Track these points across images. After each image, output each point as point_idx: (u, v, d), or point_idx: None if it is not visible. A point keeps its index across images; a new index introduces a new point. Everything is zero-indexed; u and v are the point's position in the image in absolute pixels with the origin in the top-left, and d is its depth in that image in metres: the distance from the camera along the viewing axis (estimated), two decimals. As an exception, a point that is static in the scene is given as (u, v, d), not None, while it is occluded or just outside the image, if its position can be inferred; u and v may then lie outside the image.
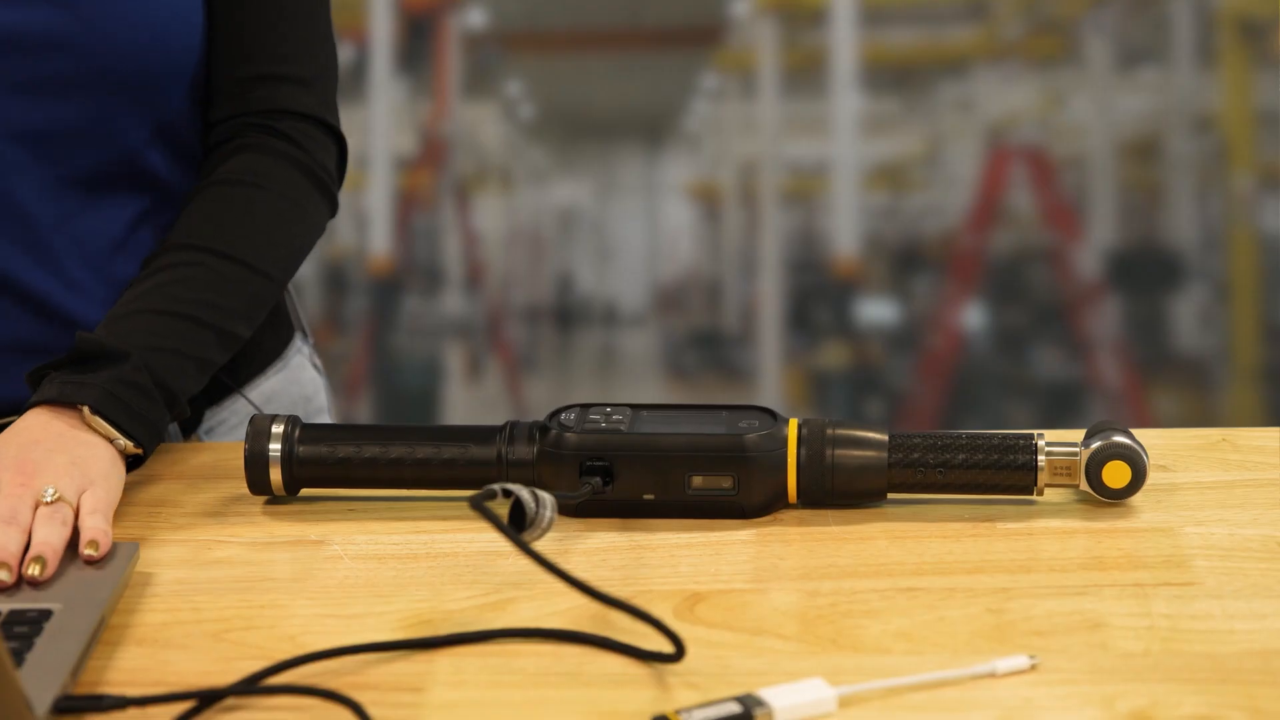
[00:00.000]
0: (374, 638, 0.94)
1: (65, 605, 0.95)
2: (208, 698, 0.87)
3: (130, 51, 1.23)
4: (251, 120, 1.30)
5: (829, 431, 1.10)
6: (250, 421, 1.13)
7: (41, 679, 0.87)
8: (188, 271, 1.23)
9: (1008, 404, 4.33)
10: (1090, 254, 4.31)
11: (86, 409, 1.12)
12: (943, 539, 1.06)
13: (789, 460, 1.09)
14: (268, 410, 1.38)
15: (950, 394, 4.36)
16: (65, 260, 1.26)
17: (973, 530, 1.08)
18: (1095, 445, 1.09)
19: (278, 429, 1.12)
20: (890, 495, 1.11)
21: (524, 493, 0.98)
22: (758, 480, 1.09)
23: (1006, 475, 1.09)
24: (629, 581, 1.00)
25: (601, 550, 1.05)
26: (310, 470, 1.13)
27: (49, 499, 1.05)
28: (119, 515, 1.13)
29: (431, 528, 1.09)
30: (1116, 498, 1.10)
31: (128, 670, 0.91)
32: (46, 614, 0.94)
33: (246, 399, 1.38)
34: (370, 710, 0.85)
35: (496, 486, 0.98)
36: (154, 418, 1.15)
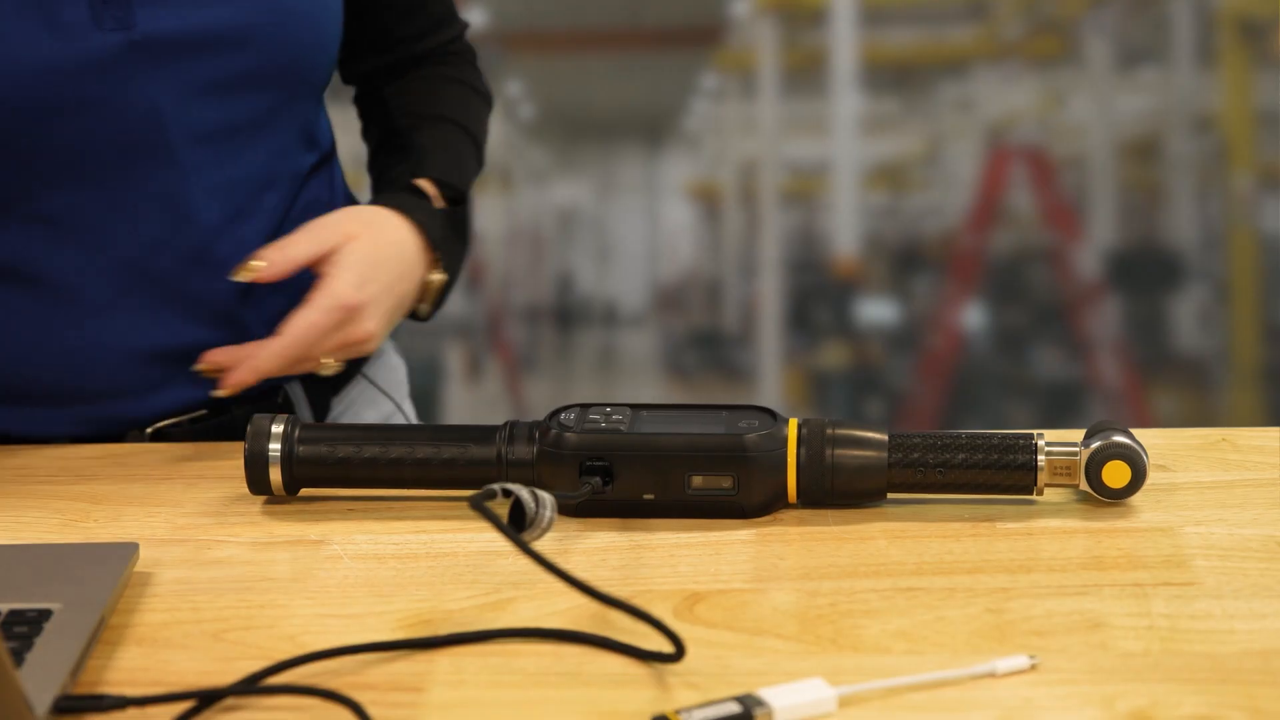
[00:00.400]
0: (374, 638, 0.94)
1: (65, 605, 0.95)
2: (207, 697, 0.87)
3: (304, 46, 1.26)
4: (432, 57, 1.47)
5: (829, 431, 1.09)
6: (250, 421, 1.13)
7: (41, 679, 0.87)
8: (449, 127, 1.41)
9: (1008, 404, 4.33)
10: (1090, 254, 4.31)
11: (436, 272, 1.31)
12: (942, 539, 1.06)
13: (789, 460, 1.09)
14: (386, 389, 1.44)
15: (950, 394, 4.36)
16: (231, 264, 1.26)
17: (972, 530, 1.08)
18: (1095, 445, 1.09)
19: (277, 429, 1.12)
20: (890, 495, 1.11)
21: (524, 493, 0.98)
22: (757, 480, 1.09)
23: (1006, 475, 1.09)
24: (629, 581, 1.00)
25: (601, 550, 1.05)
26: (310, 470, 1.12)
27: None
28: (118, 515, 1.13)
29: (431, 527, 1.09)
30: (1116, 497, 1.09)
31: (127, 670, 0.91)
32: (46, 614, 0.94)
33: (368, 379, 1.43)
34: (370, 710, 0.85)
35: (496, 486, 0.98)
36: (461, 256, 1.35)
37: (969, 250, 4.61)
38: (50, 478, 1.21)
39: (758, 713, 0.84)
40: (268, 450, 1.12)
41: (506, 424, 1.12)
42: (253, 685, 0.88)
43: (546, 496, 0.99)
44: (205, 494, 1.17)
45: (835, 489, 1.09)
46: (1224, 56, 4.28)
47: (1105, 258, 4.29)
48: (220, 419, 1.31)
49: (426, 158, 1.37)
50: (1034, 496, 1.11)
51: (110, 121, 1.19)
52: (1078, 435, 1.12)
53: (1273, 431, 1.24)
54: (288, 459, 1.12)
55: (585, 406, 1.12)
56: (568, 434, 1.09)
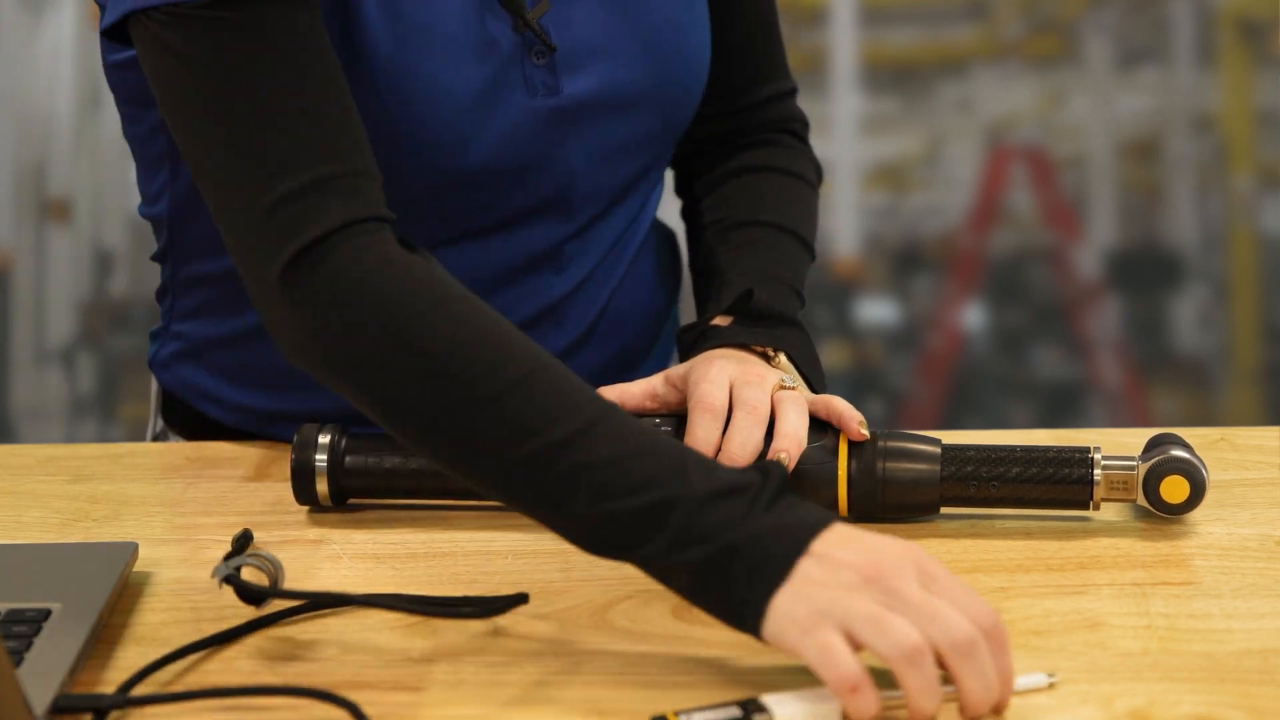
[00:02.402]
0: (372, 637, 0.94)
1: (64, 605, 0.95)
2: (207, 697, 0.87)
3: (690, 104, 1.25)
4: (763, 127, 1.37)
5: (880, 443, 1.07)
6: (297, 431, 1.11)
7: (40, 678, 0.87)
8: (772, 241, 1.28)
9: (1008, 404, 4.33)
10: (1090, 254, 4.30)
11: (782, 356, 1.16)
12: (941, 538, 1.06)
13: (840, 473, 1.07)
14: None
15: (950, 394, 4.36)
16: (575, 315, 1.27)
17: (971, 529, 1.08)
18: (1154, 460, 1.06)
19: (324, 439, 1.10)
20: (943, 511, 1.09)
21: (253, 560, 0.97)
22: (808, 493, 1.06)
23: (1062, 490, 1.06)
24: (628, 581, 1.00)
25: (600, 550, 1.05)
26: (357, 480, 1.11)
27: (788, 383, 1.10)
28: (118, 515, 1.13)
29: (430, 527, 1.09)
30: (1175, 513, 1.06)
31: (126, 670, 0.91)
32: (45, 613, 0.94)
33: None
34: (367, 710, 0.85)
35: (232, 563, 0.96)
36: (818, 367, 1.20)
37: (969, 250, 4.61)
38: (50, 478, 1.21)
39: (757, 718, 0.83)
40: (314, 461, 1.10)
41: None
42: (251, 685, 0.88)
43: (268, 554, 0.98)
44: (204, 494, 1.17)
45: (887, 502, 1.07)
46: (1224, 56, 4.27)
47: (1105, 258, 4.29)
48: None
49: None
50: (1089, 512, 1.08)
51: (529, 184, 1.19)
52: (1136, 448, 1.09)
53: (1271, 431, 1.24)
54: (335, 469, 1.10)
55: (638, 418, 1.10)
56: None
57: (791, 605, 0.83)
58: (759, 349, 1.16)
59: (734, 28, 1.31)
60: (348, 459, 1.10)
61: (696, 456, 0.90)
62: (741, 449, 1.06)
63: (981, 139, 4.81)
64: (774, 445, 1.06)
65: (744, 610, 0.85)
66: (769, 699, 0.84)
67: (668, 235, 1.41)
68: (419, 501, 1.12)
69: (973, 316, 4.58)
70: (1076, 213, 4.39)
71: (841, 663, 0.81)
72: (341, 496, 1.12)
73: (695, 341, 1.18)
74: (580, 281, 1.26)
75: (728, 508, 0.87)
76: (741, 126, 1.36)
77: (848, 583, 0.83)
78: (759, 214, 1.30)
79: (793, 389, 1.10)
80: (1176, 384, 4.21)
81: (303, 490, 1.11)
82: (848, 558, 0.84)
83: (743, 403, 1.08)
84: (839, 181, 4.19)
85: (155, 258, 1.29)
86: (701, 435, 1.07)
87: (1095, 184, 4.43)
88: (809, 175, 1.37)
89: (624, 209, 1.28)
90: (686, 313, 1.36)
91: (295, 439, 1.11)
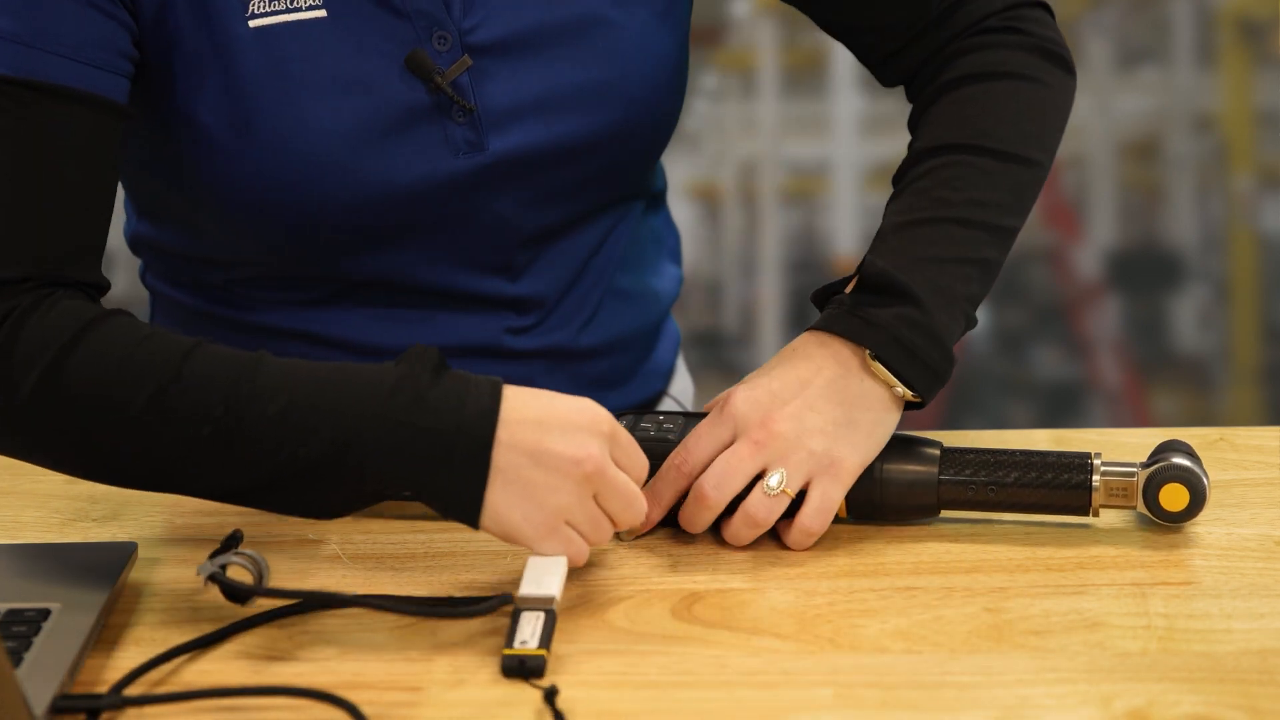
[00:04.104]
0: (372, 637, 0.94)
1: (63, 605, 0.95)
2: (206, 697, 0.87)
3: (647, 141, 1.22)
4: (957, 39, 1.21)
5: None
6: None
7: (40, 678, 0.87)
8: (948, 173, 1.14)
9: (1008, 404, 4.33)
10: (1090, 254, 4.30)
11: (868, 353, 1.07)
12: (940, 538, 1.06)
13: None
14: (684, 404, 1.40)
15: (950, 394, 4.36)
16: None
17: (970, 529, 1.08)
18: (1154, 467, 1.05)
19: None
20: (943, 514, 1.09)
21: (236, 559, 0.96)
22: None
23: (1060, 495, 1.06)
24: (626, 581, 1.00)
25: (600, 551, 1.05)
26: None
27: (772, 489, 1.04)
28: (118, 515, 1.13)
29: (429, 526, 1.09)
30: (1174, 521, 1.06)
31: (126, 670, 0.91)
32: (45, 613, 0.94)
33: (674, 399, 1.39)
34: (366, 710, 0.85)
35: (216, 563, 0.96)
36: (938, 363, 1.07)
37: (969, 250, 4.61)
38: (50, 478, 1.21)
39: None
40: None
41: None
42: (250, 686, 0.88)
43: (254, 554, 0.97)
44: (204, 494, 1.17)
45: (885, 503, 1.07)
46: (1224, 56, 4.27)
47: (1105, 258, 4.28)
48: None
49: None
50: (1089, 519, 1.07)
51: (449, 237, 1.18)
52: (1137, 448, 1.09)
53: (1271, 431, 1.24)
54: None
55: (638, 415, 1.10)
56: None
57: (506, 506, 0.95)
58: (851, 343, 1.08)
59: None
60: None
61: (346, 379, 0.96)
62: (688, 528, 1.06)
63: (981, 139, 4.78)
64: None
65: (459, 509, 0.96)
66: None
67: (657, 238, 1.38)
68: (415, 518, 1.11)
69: (973, 316, 4.58)
70: (1076, 213, 4.39)
71: (579, 552, 0.96)
72: None
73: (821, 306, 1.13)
74: (536, 322, 1.24)
75: (401, 430, 0.95)
76: (934, 49, 1.22)
77: (546, 482, 0.95)
78: (940, 138, 1.17)
79: (773, 497, 1.04)
80: (1176, 384, 4.21)
81: None
82: (531, 442, 0.95)
83: (704, 476, 1.05)
84: (839, 181, 4.19)
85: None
86: (652, 503, 1.06)
87: (1095, 184, 4.42)
88: (1023, 69, 1.19)
89: (589, 233, 1.25)
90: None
91: None
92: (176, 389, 0.96)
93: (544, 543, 0.96)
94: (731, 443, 1.05)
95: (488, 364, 1.22)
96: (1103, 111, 4.36)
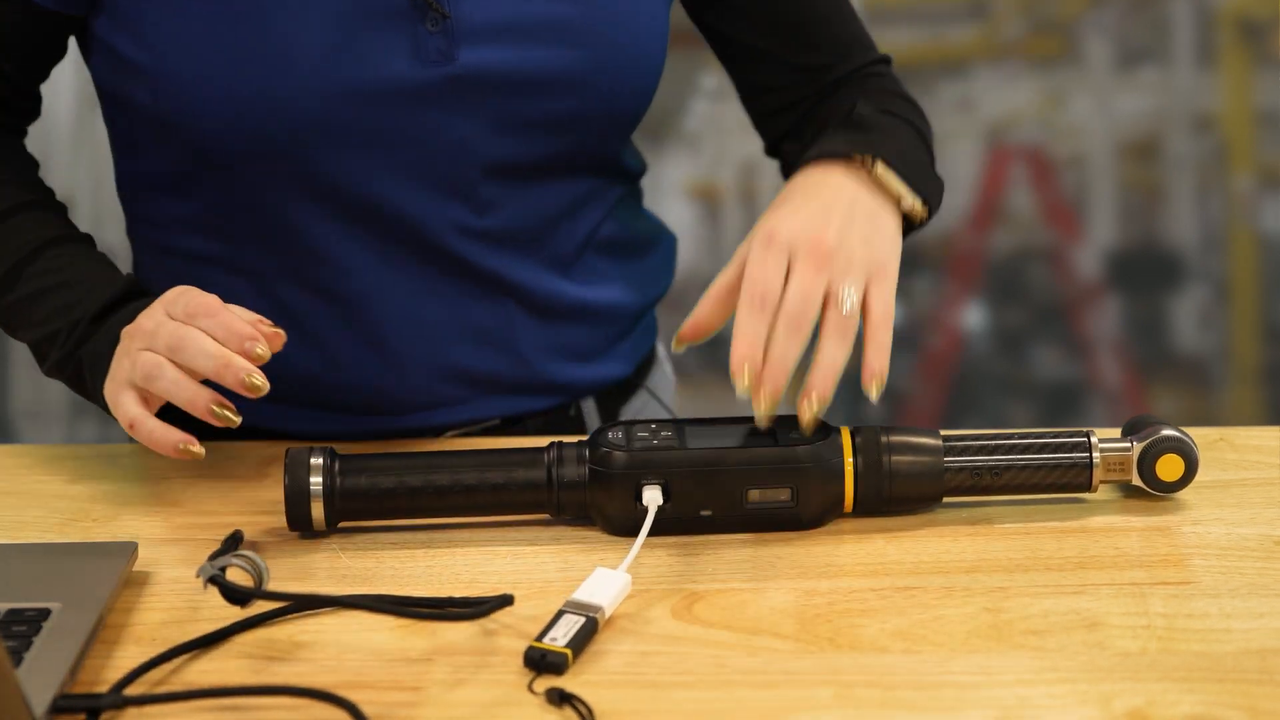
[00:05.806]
0: (371, 637, 0.94)
1: (64, 604, 0.95)
2: (206, 697, 0.87)
3: (622, 95, 1.23)
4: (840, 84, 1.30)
5: (884, 439, 1.08)
6: (287, 453, 1.08)
7: (40, 678, 0.87)
8: (878, 99, 1.25)
9: (1008, 404, 4.33)
10: (1090, 254, 4.30)
11: (880, 164, 1.11)
12: (940, 538, 1.06)
13: (846, 469, 1.07)
14: (666, 403, 1.41)
15: (950, 393, 4.36)
16: (522, 293, 1.26)
17: (970, 529, 1.08)
18: (1148, 440, 1.09)
19: (316, 461, 1.07)
20: (946, 500, 1.10)
21: (236, 560, 0.96)
22: (816, 491, 1.07)
23: (1062, 474, 1.09)
24: (628, 581, 1.00)
25: (602, 551, 1.05)
26: (354, 503, 1.07)
27: (846, 307, 1.06)
28: (118, 515, 1.13)
29: (429, 528, 1.09)
30: (1169, 491, 1.09)
31: (126, 670, 0.91)
32: (45, 613, 0.94)
33: (650, 392, 1.40)
34: (366, 710, 0.85)
35: (216, 564, 0.96)
36: (936, 179, 1.14)
37: (969, 250, 4.61)
38: (50, 477, 1.21)
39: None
40: (309, 484, 1.06)
41: (552, 445, 1.08)
42: (251, 685, 0.88)
43: (252, 555, 0.98)
44: (204, 493, 1.17)
45: (893, 496, 1.08)
46: (1224, 56, 4.27)
47: (1105, 258, 4.28)
48: (512, 429, 1.30)
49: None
50: (1086, 504, 1.10)
51: (413, 151, 1.19)
52: (1109, 432, 1.11)
53: (1270, 431, 1.24)
54: (330, 493, 1.07)
55: (630, 424, 1.09)
56: (618, 453, 1.06)
57: (107, 387, 1.11)
58: (857, 159, 1.14)
59: (789, 11, 1.29)
60: (344, 481, 1.07)
61: (78, 296, 1.17)
62: (781, 368, 1.05)
63: (981, 139, 4.80)
64: (807, 380, 1.06)
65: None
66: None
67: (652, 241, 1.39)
68: (413, 522, 1.10)
69: (972, 316, 4.58)
70: (1076, 213, 4.39)
71: (123, 411, 1.08)
72: (335, 520, 1.08)
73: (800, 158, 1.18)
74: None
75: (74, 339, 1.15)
76: (823, 92, 1.31)
77: (126, 350, 1.09)
78: (849, 110, 1.24)
79: (848, 315, 1.07)
80: (1176, 384, 4.21)
81: (297, 516, 1.07)
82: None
83: (785, 304, 1.06)
84: (839, 181, 4.18)
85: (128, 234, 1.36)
86: (746, 343, 1.06)
87: (1095, 184, 4.43)
88: (900, 89, 1.29)
89: (554, 188, 1.25)
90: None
91: (287, 462, 1.07)
92: None
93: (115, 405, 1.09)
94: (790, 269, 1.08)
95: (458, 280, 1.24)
96: (1102, 111, 4.37)
